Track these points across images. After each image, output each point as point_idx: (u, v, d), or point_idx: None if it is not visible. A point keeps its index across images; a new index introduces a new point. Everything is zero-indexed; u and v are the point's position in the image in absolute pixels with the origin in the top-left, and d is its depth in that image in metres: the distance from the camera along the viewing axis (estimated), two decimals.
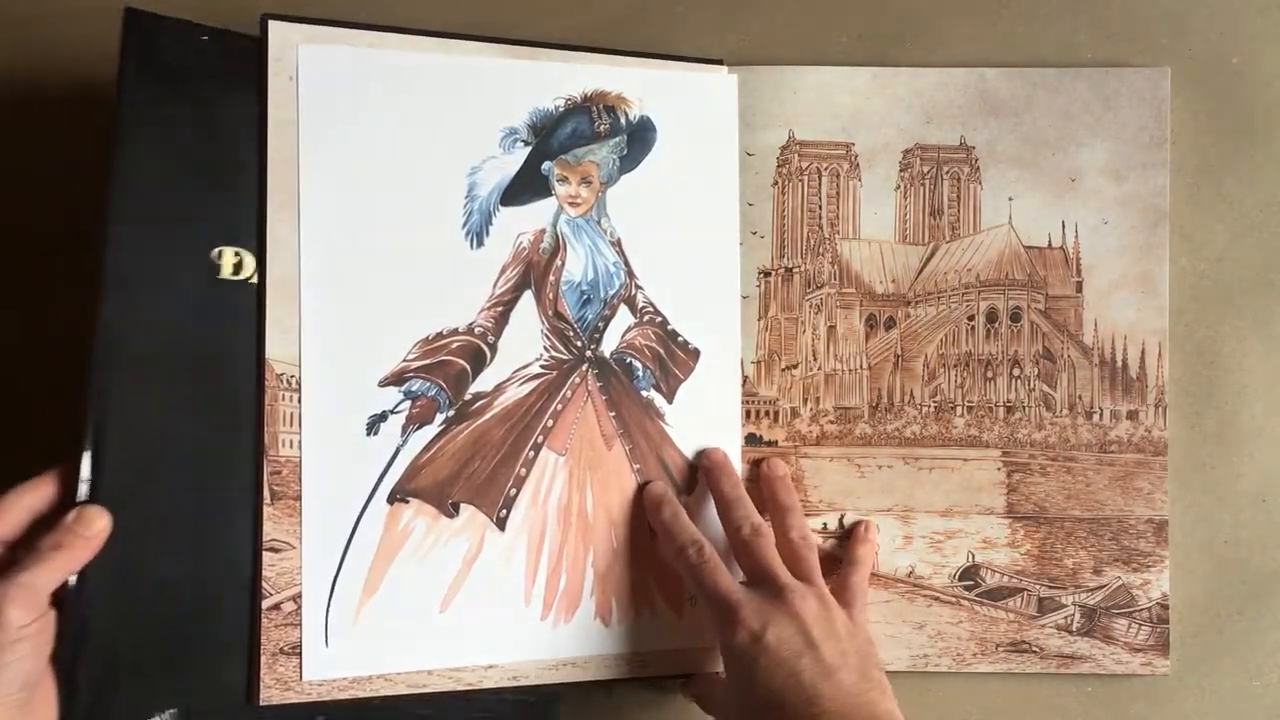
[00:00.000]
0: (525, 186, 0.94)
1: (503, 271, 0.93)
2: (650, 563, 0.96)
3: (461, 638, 0.92)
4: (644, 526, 0.96)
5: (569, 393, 0.95)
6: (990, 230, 1.02)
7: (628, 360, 0.96)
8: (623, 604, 0.95)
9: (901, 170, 1.02)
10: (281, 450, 0.89)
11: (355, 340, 0.90)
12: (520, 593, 0.93)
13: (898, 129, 1.02)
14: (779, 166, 1.02)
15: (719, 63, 1.00)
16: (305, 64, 0.90)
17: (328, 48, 0.91)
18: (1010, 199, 1.02)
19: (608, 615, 0.95)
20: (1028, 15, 1.03)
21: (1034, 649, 1.00)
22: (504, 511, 0.93)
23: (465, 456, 0.93)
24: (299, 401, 0.89)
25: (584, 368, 0.96)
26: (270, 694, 0.87)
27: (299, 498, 0.89)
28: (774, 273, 1.01)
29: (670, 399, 0.97)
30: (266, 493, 0.88)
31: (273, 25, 0.89)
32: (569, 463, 0.95)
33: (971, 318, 1.03)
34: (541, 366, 0.95)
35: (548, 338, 0.95)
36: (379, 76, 0.92)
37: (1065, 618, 1.00)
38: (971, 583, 1.00)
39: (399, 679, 0.91)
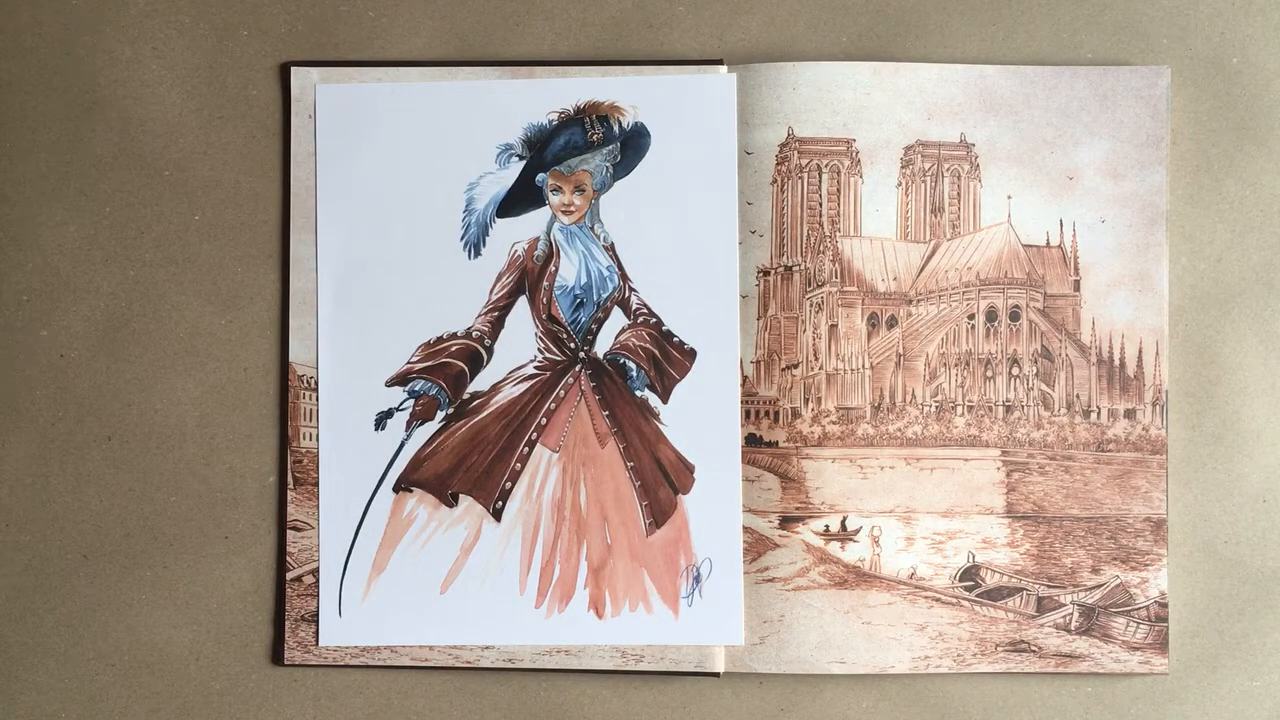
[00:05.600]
0: (520, 198, 1.19)
1: (498, 279, 1.19)
2: (646, 560, 1.16)
3: (460, 619, 1.17)
4: (638, 524, 1.16)
5: (562, 392, 1.19)
6: (990, 228, 1.19)
7: (621, 361, 1.18)
8: (617, 599, 1.17)
9: (903, 167, 1.19)
10: (302, 442, 1.18)
11: (365, 345, 1.18)
12: (515, 581, 1.18)
13: (899, 125, 1.18)
14: (778, 164, 1.19)
15: (719, 62, 1.19)
16: (323, 102, 1.18)
17: (341, 86, 1.18)
18: (1009, 197, 1.19)
19: (601, 609, 1.16)
20: (1028, 13, 1.19)
21: (1033, 648, 1.16)
22: (500, 503, 1.18)
23: (464, 451, 1.19)
24: (316, 399, 1.18)
25: (577, 368, 1.18)
26: (293, 655, 1.18)
27: (317, 484, 1.18)
28: (773, 271, 1.19)
29: (665, 399, 1.18)
30: (290, 478, 1.18)
31: (295, 70, 1.19)
32: (563, 459, 1.18)
33: (971, 316, 1.20)
34: (536, 368, 1.19)
35: (541, 340, 1.19)
36: (386, 107, 1.18)
37: (1064, 617, 1.17)
38: (972, 583, 1.17)
39: (404, 651, 1.17)
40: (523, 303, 1.19)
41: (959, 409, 1.19)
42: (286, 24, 1.19)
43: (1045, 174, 1.18)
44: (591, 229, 1.19)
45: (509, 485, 1.18)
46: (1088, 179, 1.18)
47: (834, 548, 1.18)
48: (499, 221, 1.19)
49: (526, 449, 1.19)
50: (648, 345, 1.18)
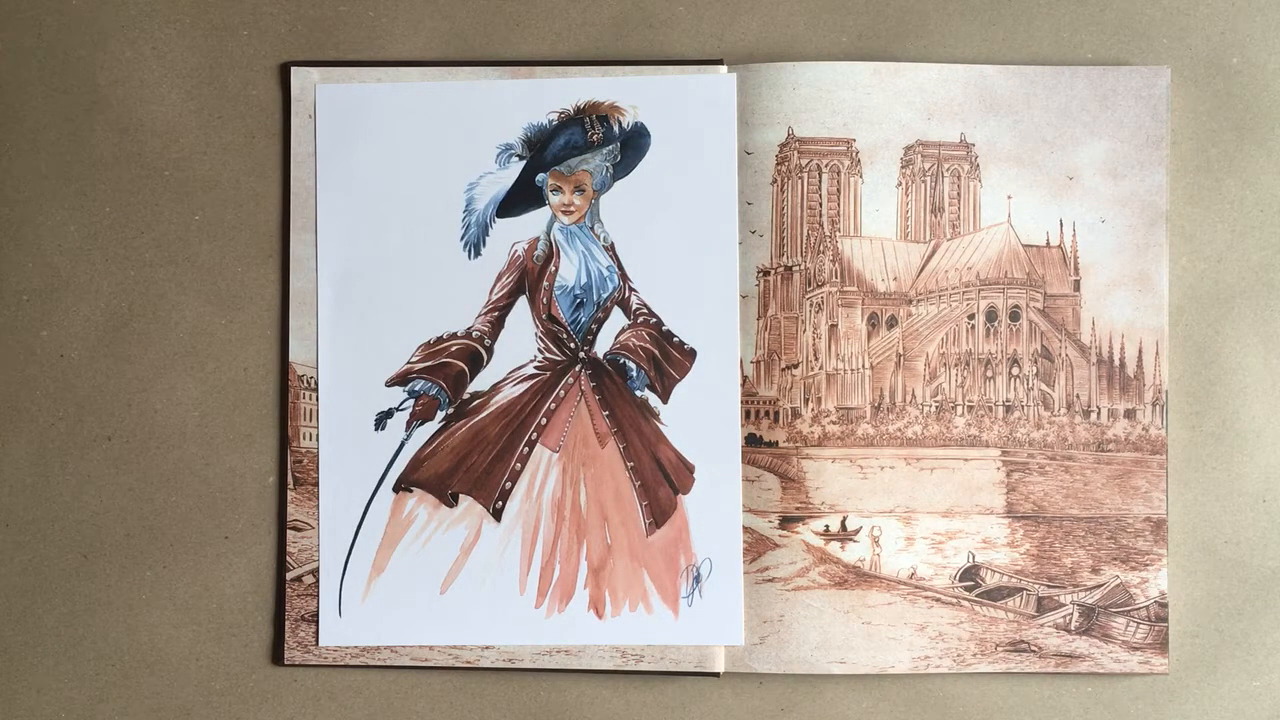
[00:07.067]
0: (520, 198, 1.19)
1: (498, 279, 1.19)
2: (646, 560, 1.16)
3: (460, 619, 1.18)
4: (638, 524, 1.16)
5: (562, 392, 1.19)
6: (990, 228, 1.20)
7: (621, 361, 1.18)
8: (617, 599, 1.17)
9: (903, 167, 1.19)
10: (302, 442, 1.18)
11: (365, 345, 1.18)
12: (515, 581, 1.18)
13: (899, 125, 1.19)
14: (778, 164, 1.19)
15: (719, 62, 1.19)
16: (322, 102, 1.19)
17: (341, 86, 1.19)
18: (1009, 197, 1.19)
19: (601, 609, 1.17)
20: (1028, 13, 1.19)
21: (1033, 648, 1.17)
22: (500, 503, 1.19)
23: (464, 451, 1.19)
24: (316, 399, 1.18)
25: (577, 368, 1.19)
26: (293, 655, 1.18)
27: (317, 484, 1.18)
28: (773, 271, 1.20)
29: (665, 399, 1.18)
30: (290, 478, 1.18)
31: (295, 71, 1.19)
32: (563, 459, 1.19)
33: (971, 316, 1.20)
34: (536, 368, 1.20)
35: (542, 340, 1.20)
36: (386, 107, 1.19)
37: (1064, 617, 1.17)
38: (972, 583, 1.18)
39: (404, 651, 1.18)
40: (523, 303, 1.20)
41: (959, 409, 1.19)
42: (286, 24, 1.20)
43: (1045, 174, 1.18)
44: (591, 229, 1.19)
45: (509, 485, 1.19)
46: (1088, 179, 1.18)
47: (834, 548, 1.18)
48: (499, 221, 1.19)
49: (526, 449, 1.19)
50: (648, 345, 1.19)
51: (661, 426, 1.19)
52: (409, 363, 1.18)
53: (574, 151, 1.19)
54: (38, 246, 1.20)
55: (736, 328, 1.19)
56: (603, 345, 1.20)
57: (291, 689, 1.18)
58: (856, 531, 1.18)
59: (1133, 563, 1.17)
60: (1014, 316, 1.20)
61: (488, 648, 1.18)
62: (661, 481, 1.18)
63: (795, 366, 1.19)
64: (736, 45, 1.20)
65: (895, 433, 1.19)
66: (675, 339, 1.19)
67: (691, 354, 1.19)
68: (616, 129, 1.18)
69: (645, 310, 1.19)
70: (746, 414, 1.18)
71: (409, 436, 1.19)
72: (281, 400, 1.19)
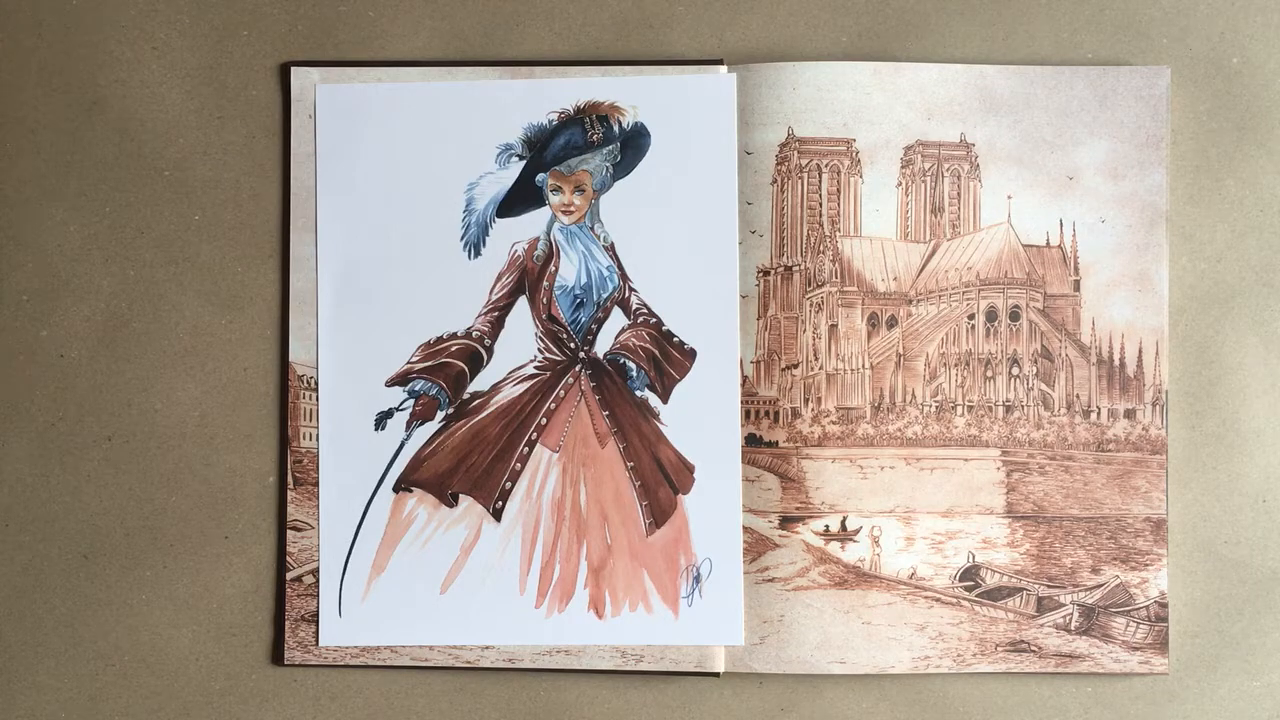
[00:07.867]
0: (520, 198, 1.19)
1: (498, 279, 1.19)
2: (646, 561, 1.16)
3: (460, 619, 1.18)
4: (638, 524, 1.16)
5: (562, 392, 1.19)
6: (990, 228, 1.20)
7: (621, 361, 1.18)
8: (617, 599, 1.17)
9: (903, 167, 1.20)
10: (302, 442, 1.19)
11: (365, 345, 1.19)
12: (515, 581, 1.19)
13: (899, 125, 1.19)
14: (778, 164, 1.19)
15: (719, 62, 1.19)
16: (322, 102, 1.19)
17: (341, 86, 1.19)
18: (1009, 197, 1.19)
19: (601, 609, 1.17)
20: (1028, 13, 1.19)
21: (1033, 648, 1.17)
22: (500, 503, 1.19)
23: (464, 451, 1.19)
24: (316, 399, 1.19)
25: (577, 368, 1.19)
26: (293, 655, 1.18)
27: (317, 484, 1.18)
28: (773, 271, 1.20)
29: (665, 399, 1.18)
30: (290, 478, 1.18)
31: (295, 71, 1.19)
32: (563, 459, 1.19)
33: (971, 316, 1.21)
34: (536, 368, 1.20)
35: (542, 340, 1.20)
36: (386, 107, 1.19)
37: (1064, 617, 1.17)
38: (972, 583, 1.18)
39: (404, 651, 1.18)
40: (523, 303, 1.20)
41: (959, 409, 1.19)
42: (286, 24, 1.20)
43: (1045, 174, 1.19)
44: (591, 229, 1.20)
45: (509, 485, 1.19)
46: (1088, 179, 1.18)
47: (834, 548, 1.18)
48: (499, 221, 1.20)
49: (526, 449, 1.19)
50: (648, 345, 1.19)
51: (661, 426, 1.19)
52: (409, 363, 1.19)
53: (574, 151, 1.19)
54: (38, 246, 1.20)
55: (736, 328, 1.19)
56: (603, 345, 1.20)
57: (291, 689, 1.18)
58: (856, 531, 1.18)
59: (1133, 563, 1.17)
60: (1014, 316, 1.20)
61: (488, 648, 1.18)
62: (661, 481, 1.18)
63: (795, 366, 1.20)
64: (736, 45, 1.20)
65: (895, 433, 1.19)
66: (675, 339, 1.19)
67: (691, 354, 1.19)
68: (616, 129, 1.19)
69: (645, 310, 1.19)
70: (746, 414, 1.19)
71: (409, 436, 1.19)
72: (281, 400, 1.19)
